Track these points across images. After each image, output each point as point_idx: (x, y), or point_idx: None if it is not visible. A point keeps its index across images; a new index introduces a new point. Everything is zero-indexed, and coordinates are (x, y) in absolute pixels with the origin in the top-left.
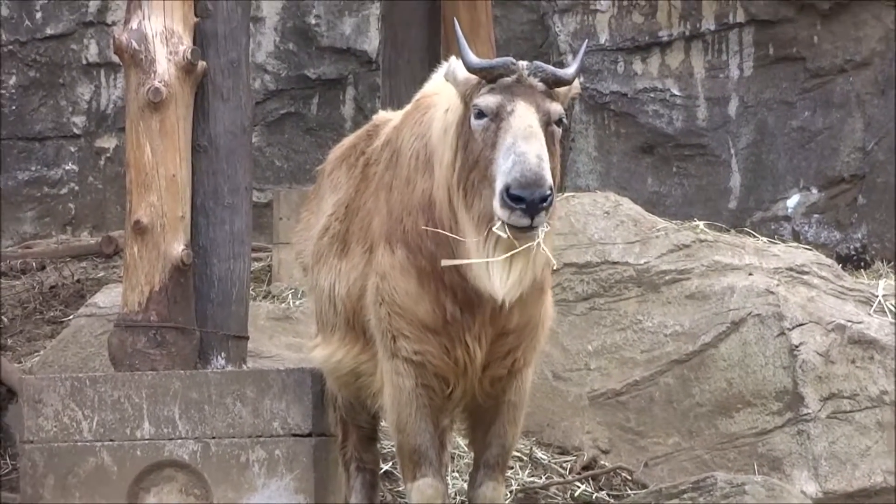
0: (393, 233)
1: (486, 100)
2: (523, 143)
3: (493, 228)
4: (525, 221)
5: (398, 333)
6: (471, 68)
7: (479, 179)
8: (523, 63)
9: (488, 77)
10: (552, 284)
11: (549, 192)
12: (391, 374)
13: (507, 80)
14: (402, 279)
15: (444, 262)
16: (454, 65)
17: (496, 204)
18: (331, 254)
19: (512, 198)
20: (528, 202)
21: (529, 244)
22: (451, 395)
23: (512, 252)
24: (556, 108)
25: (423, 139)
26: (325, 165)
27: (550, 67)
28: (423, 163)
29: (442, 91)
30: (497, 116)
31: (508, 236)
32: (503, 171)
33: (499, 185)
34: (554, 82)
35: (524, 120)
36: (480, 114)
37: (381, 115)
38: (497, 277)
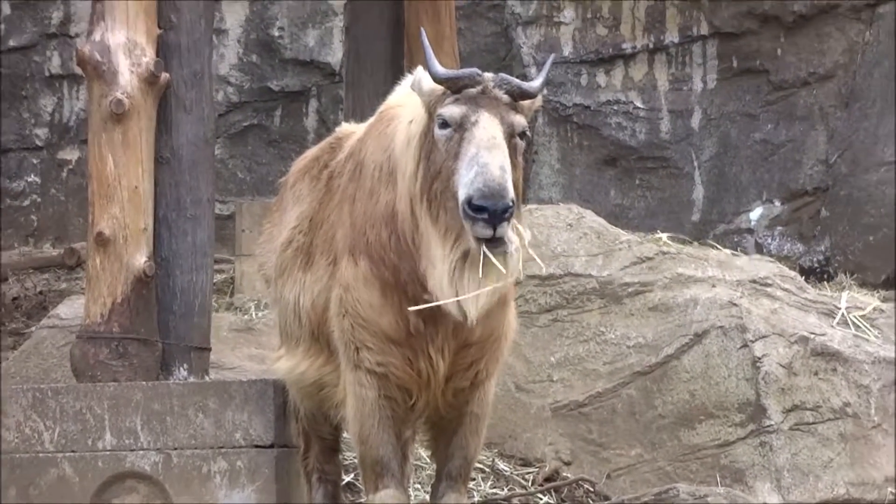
0: (356, 245)
1: (451, 110)
2: (486, 154)
3: (472, 247)
4: (488, 232)
5: (361, 345)
6: (437, 78)
7: (441, 190)
8: (489, 75)
9: (453, 87)
10: (515, 296)
11: (510, 203)
12: (354, 385)
13: (473, 91)
14: (365, 291)
15: (412, 309)
16: (420, 75)
17: (460, 214)
18: (295, 266)
19: (474, 208)
20: (491, 213)
21: (501, 283)
22: (414, 407)
23: (481, 290)
24: (520, 120)
25: (386, 151)
26: (288, 177)
27: (516, 80)
28: (386, 174)
29: (405, 103)
30: (461, 127)
31: (487, 255)
32: (465, 182)
33: (461, 196)
34: (519, 95)
35: (487, 131)
36: (444, 124)
37: (345, 127)
38: (470, 298)
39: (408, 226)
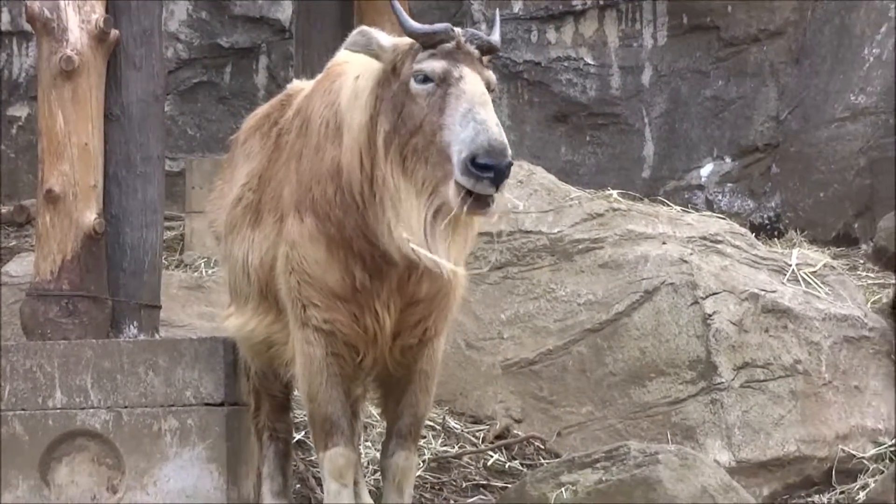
0: (302, 201)
1: (431, 65)
2: (482, 111)
3: (452, 204)
4: (492, 189)
5: (308, 302)
6: (412, 32)
7: (423, 145)
8: (460, 30)
9: (429, 42)
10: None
11: (511, 160)
12: (302, 343)
13: (448, 46)
14: (311, 247)
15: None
16: (373, 33)
17: (457, 171)
18: (244, 224)
19: (479, 167)
20: (497, 170)
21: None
22: (362, 364)
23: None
24: (491, 75)
25: (332, 107)
26: (239, 134)
27: (485, 35)
28: (332, 130)
29: (351, 59)
30: (444, 82)
31: (465, 212)
32: (463, 139)
33: (461, 153)
34: (487, 49)
35: (477, 86)
36: (426, 78)
37: (296, 84)
38: (442, 252)
39: (355, 178)
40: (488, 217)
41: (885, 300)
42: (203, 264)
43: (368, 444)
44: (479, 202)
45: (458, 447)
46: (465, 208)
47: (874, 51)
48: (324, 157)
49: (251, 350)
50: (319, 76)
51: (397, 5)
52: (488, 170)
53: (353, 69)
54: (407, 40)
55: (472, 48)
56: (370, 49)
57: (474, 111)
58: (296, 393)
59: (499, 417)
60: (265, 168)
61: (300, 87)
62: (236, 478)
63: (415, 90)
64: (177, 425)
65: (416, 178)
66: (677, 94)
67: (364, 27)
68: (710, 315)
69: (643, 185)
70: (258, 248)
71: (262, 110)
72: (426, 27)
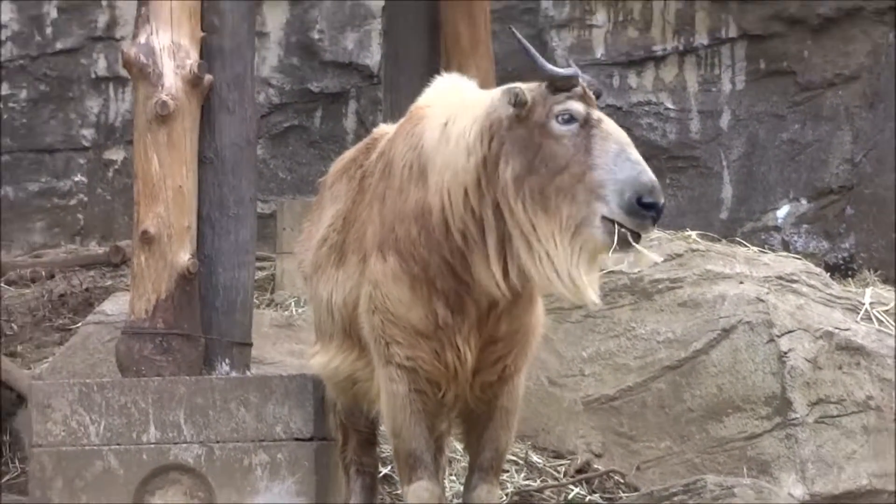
0: (385, 241)
1: (575, 106)
2: (633, 152)
3: (602, 240)
4: (651, 227)
5: (391, 340)
6: (555, 76)
7: (570, 183)
8: (582, 75)
9: (565, 86)
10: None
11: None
12: (385, 380)
13: (578, 90)
14: (394, 286)
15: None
16: (523, 87)
17: (618, 209)
18: (328, 264)
19: (644, 205)
20: (658, 210)
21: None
22: (444, 400)
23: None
24: None
25: (415, 150)
26: (327, 177)
27: (594, 81)
28: (416, 173)
29: (434, 103)
30: (587, 123)
31: (635, 247)
32: (623, 179)
33: (624, 193)
34: (597, 95)
35: (618, 128)
36: (571, 119)
37: (381, 128)
38: (587, 285)
39: (457, 218)
40: (629, 255)
41: None
42: (293, 303)
43: (453, 478)
44: (626, 240)
45: (541, 481)
46: (616, 245)
47: None
48: (407, 199)
49: (336, 387)
50: (402, 120)
51: (535, 52)
52: (652, 208)
53: (435, 113)
54: (527, 87)
55: (590, 92)
56: (521, 99)
57: (627, 152)
58: (382, 428)
59: (580, 452)
60: (349, 209)
61: (385, 130)
62: None
63: (558, 131)
64: (267, 460)
65: (560, 216)
66: (755, 137)
67: (513, 85)
68: (785, 353)
69: (721, 227)
70: (342, 288)
71: (348, 154)
72: (566, 71)
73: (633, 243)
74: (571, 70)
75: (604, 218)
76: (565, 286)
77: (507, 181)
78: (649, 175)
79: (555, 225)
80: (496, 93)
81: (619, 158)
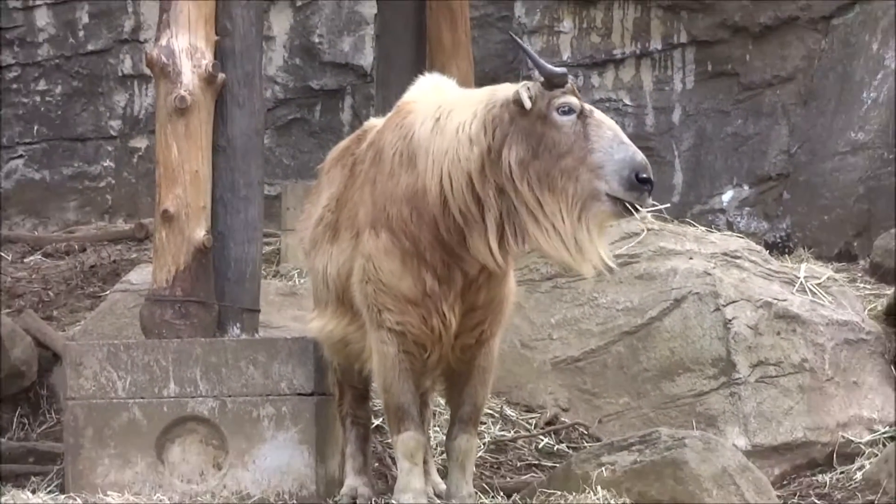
0: (378, 219)
1: (571, 100)
2: (625, 138)
3: (610, 213)
4: (649, 199)
5: (382, 307)
6: (555, 74)
7: (573, 166)
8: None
9: (560, 82)
10: (520, 266)
11: None
12: (377, 342)
13: (569, 86)
14: (386, 260)
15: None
16: (524, 86)
17: (619, 186)
18: (324, 240)
19: (642, 181)
20: (652, 183)
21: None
22: (429, 360)
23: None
24: None
25: (405, 140)
26: (324, 164)
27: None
28: (405, 160)
29: (419, 99)
30: (582, 114)
31: (642, 212)
32: (621, 160)
33: (623, 171)
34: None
35: (607, 118)
36: (570, 110)
37: (371, 121)
38: (591, 252)
39: (458, 201)
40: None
41: (879, 308)
42: (296, 275)
43: (437, 428)
44: (628, 211)
45: (514, 432)
46: (620, 215)
47: (872, 94)
48: (398, 183)
49: (331, 348)
50: (390, 114)
51: (537, 57)
52: (647, 183)
53: (422, 108)
54: (524, 86)
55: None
56: (532, 96)
57: (620, 136)
58: (374, 385)
59: (549, 407)
60: (342, 193)
61: (374, 123)
62: (324, 457)
63: (559, 121)
64: (273, 412)
65: (566, 194)
66: (703, 130)
67: (522, 85)
68: (729, 320)
69: (673, 209)
70: (336, 261)
71: (342, 144)
72: (562, 70)
73: (634, 213)
74: (563, 70)
75: (607, 194)
76: (571, 255)
77: (511, 166)
78: (641, 155)
79: (562, 202)
80: (493, 91)
81: (614, 142)
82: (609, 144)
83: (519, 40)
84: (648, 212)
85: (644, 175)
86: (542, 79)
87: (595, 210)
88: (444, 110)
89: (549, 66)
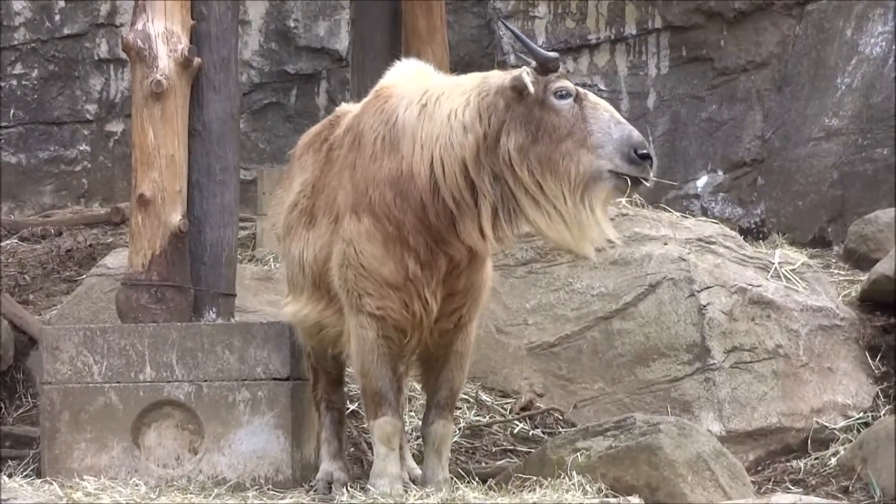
0: (359, 204)
1: (566, 84)
2: (621, 118)
3: (616, 189)
4: (650, 173)
5: (363, 292)
6: (547, 59)
7: (574, 148)
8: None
9: (554, 67)
10: (496, 251)
11: None
12: (356, 327)
13: (562, 70)
14: (368, 244)
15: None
16: (521, 73)
17: (622, 162)
18: (300, 226)
19: (642, 156)
20: (651, 158)
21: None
22: (408, 345)
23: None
24: None
25: (387, 125)
26: (295, 150)
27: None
28: (388, 144)
29: (399, 84)
30: (577, 97)
31: (644, 184)
32: (621, 138)
33: (623, 148)
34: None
35: (601, 99)
36: (567, 94)
37: (343, 106)
38: (598, 233)
39: (451, 186)
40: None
41: (853, 294)
42: (272, 259)
43: (412, 414)
44: (632, 186)
45: (489, 417)
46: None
47: (846, 80)
48: (381, 167)
49: (305, 332)
50: (368, 98)
51: (531, 43)
52: (647, 158)
53: (403, 93)
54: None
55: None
56: (523, 82)
57: (616, 117)
58: (349, 369)
59: (524, 392)
60: (317, 178)
61: (347, 109)
62: (299, 442)
63: (558, 105)
64: (249, 397)
65: (569, 175)
66: (677, 116)
67: (522, 70)
68: (704, 306)
69: (648, 194)
70: (312, 246)
71: (314, 129)
72: (554, 55)
73: (636, 186)
74: (555, 55)
75: (610, 171)
76: (573, 235)
77: (510, 151)
78: (638, 132)
79: (564, 184)
80: (484, 77)
81: (611, 122)
82: (607, 125)
83: (510, 27)
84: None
85: (643, 151)
86: (534, 64)
87: (599, 188)
88: (430, 96)
89: (544, 52)
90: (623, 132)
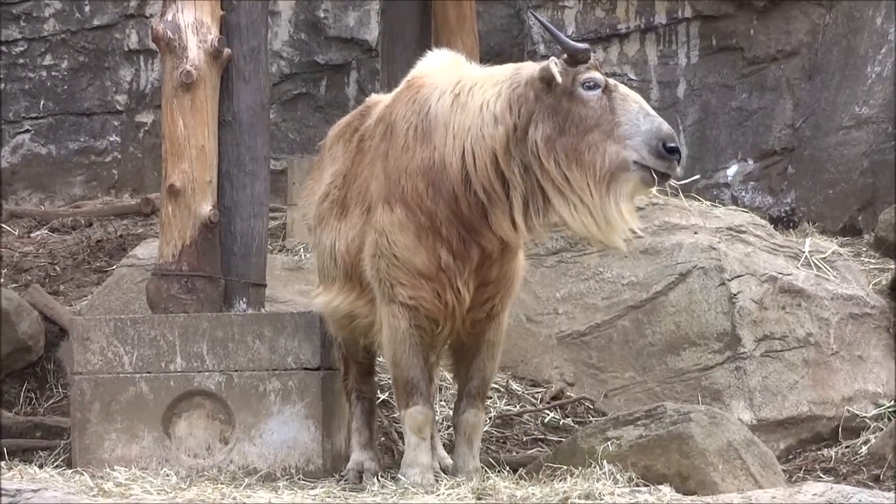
0: (392, 194)
1: (595, 75)
2: (650, 110)
3: (643, 182)
4: (678, 167)
5: (395, 282)
6: (577, 50)
7: (601, 139)
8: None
9: (584, 58)
10: (527, 243)
11: None
12: (388, 317)
13: (591, 61)
14: (400, 234)
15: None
16: (549, 65)
17: (649, 155)
18: (331, 216)
19: (669, 150)
20: (680, 153)
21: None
22: (440, 335)
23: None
24: None
25: (419, 115)
26: (326, 141)
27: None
28: (420, 134)
29: (431, 74)
30: (606, 88)
31: (669, 179)
32: (649, 130)
33: (651, 141)
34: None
35: (631, 91)
36: (595, 86)
37: (373, 97)
38: (624, 225)
39: (482, 177)
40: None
41: (884, 282)
42: (302, 249)
43: (443, 403)
44: (658, 180)
45: (520, 406)
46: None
47: (876, 69)
48: (413, 157)
49: (336, 323)
50: (399, 88)
51: (561, 35)
52: (675, 152)
53: (435, 82)
54: (552, 61)
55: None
56: (551, 73)
57: (645, 109)
58: (379, 359)
59: (554, 381)
60: (349, 169)
61: (377, 99)
62: (330, 431)
63: (586, 96)
64: (279, 386)
65: (594, 167)
66: (707, 105)
67: (550, 61)
68: (734, 294)
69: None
70: (344, 236)
71: (344, 120)
72: (585, 46)
73: (663, 180)
74: (585, 46)
75: (636, 163)
76: (600, 227)
77: (537, 143)
78: (667, 125)
79: (589, 176)
80: (517, 69)
81: (640, 114)
82: (635, 117)
83: (541, 18)
84: (680, 183)
85: (672, 144)
86: (565, 55)
87: (624, 180)
88: (463, 86)
89: (573, 43)
90: (652, 124)
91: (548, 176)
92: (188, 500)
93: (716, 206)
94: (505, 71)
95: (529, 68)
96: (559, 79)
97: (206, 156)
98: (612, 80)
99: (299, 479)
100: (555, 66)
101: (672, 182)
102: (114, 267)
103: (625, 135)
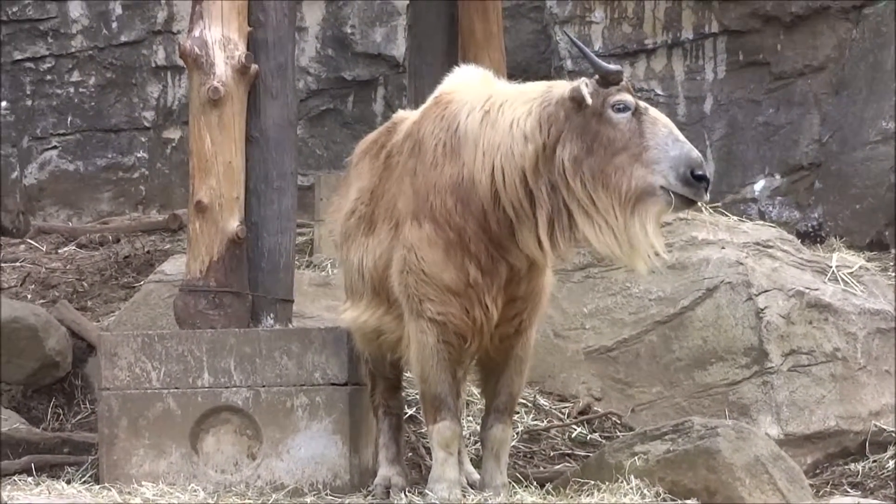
0: (420, 210)
1: (626, 97)
2: (680, 135)
3: (667, 207)
4: (705, 195)
5: (424, 297)
6: (609, 72)
7: (628, 162)
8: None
9: (616, 80)
10: (554, 263)
11: None
12: (416, 332)
13: (623, 83)
14: (429, 250)
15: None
16: (579, 85)
17: (676, 181)
18: (358, 232)
19: (697, 177)
20: (708, 180)
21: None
22: (468, 350)
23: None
24: None
25: (448, 131)
26: (352, 157)
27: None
28: (449, 150)
29: (459, 90)
30: (637, 111)
31: (699, 205)
32: (677, 157)
33: (679, 168)
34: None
35: (662, 115)
36: (625, 108)
37: (400, 113)
38: (649, 249)
39: (511, 196)
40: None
41: None
42: (329, 265)
43: (470, 418)
44: (683, 206)
45: (547, 421)
46: (675, 210)
47: None
48: (442, 173)
49: (363, 338)
50: (427, 104)
51: (593, 56)
52: (703, 180)
53: (464, 99)
54: (582, 82)
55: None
56: (581, 93)
57: (675, 134)
58: (406, 375)
59: (581, 396)
60: (376, 185)
61: (404, 115)
62: (357, 447)
63: (615, 119)
64: (307, 402)
65: (620, 190)
66: (734, 120)
67: (581, 81)
68: (762, 309)
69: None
70: (372, 252)
71: (370, 137)
72: (617, 67)
73: (689, 206)
74: (618, 67)
75: (662, 188)
76: (623, 250)
77: (564, 162)
78: (697, 152)
79: (615, 198)
80: (548, 87)
81: (669, 139)
82: (664, 141)
83: (574, 39)
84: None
85: (700, 172)
86: (596, 76)
87: (650, 204)
88: (493, 103)
89: (605, 64)
90: (681, 150)
91: (573, 196)
92: None
93: (743, 221)
94: (536, 89)
95: (561, 87)
96: (589, 100)
97: (233, 172)
98: (642, 103)
99: (326, 494)
100: (585, 87)
101: (697, 201)
102: (141, 283)
103: (653, 159)
